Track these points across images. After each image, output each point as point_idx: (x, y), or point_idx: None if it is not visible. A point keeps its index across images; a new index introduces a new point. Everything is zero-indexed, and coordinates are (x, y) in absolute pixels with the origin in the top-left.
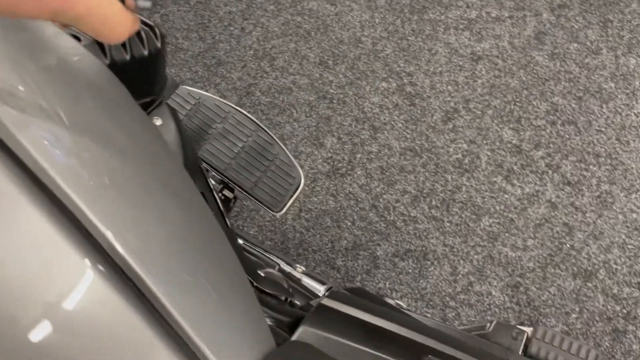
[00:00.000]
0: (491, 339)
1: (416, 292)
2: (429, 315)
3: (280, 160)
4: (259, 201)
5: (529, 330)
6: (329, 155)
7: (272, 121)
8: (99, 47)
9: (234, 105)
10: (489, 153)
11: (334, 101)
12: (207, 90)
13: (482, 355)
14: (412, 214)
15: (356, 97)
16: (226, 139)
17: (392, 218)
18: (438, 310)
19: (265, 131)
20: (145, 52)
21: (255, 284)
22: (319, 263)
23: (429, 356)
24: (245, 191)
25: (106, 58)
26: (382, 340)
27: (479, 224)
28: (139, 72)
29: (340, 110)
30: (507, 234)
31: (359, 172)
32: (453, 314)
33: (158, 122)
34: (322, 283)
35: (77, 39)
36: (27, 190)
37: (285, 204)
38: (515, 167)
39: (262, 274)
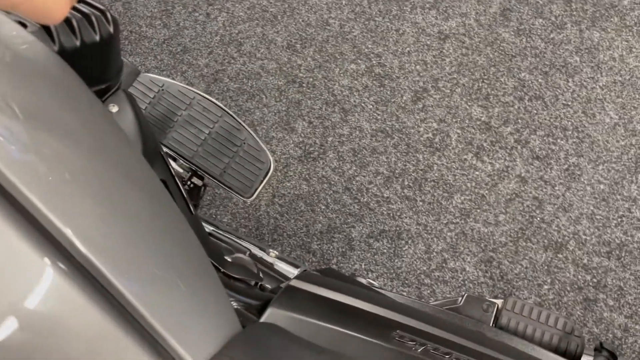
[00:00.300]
0: (462, 313)
1: (391, 271)
2: (404, 293)
3: (249, 145)
4: (229, 187)
5: (499, 302)
6: (301, 139)
7: (242, 107)
8: (47, 33)
9: (198, 91)
10: (458, 131)
11: (304, 85)
12: (173, 78)
13: (453, 328)
14: (385, 195)
15: (325, 80)
16: (192, 125)
17: (365, 200)
18: (414, 288)
19: (232, 116)
20: (97, 37)
21: (222, 269)
22: (294, 248)
23: (398, 331)
24: (214, 178)
25: (55, 45)
26: (350, 318)
27: (451, 201)
28: (91, 58)
29: (310, 94)
30: (478, 210)
31: (331, 156)
32: (428, 291)
33: (114, 109)
34: (296, 266)
35: (23, 25)
36: None
37: (256, 189)
38: (485, 144)
39: (230, 260)
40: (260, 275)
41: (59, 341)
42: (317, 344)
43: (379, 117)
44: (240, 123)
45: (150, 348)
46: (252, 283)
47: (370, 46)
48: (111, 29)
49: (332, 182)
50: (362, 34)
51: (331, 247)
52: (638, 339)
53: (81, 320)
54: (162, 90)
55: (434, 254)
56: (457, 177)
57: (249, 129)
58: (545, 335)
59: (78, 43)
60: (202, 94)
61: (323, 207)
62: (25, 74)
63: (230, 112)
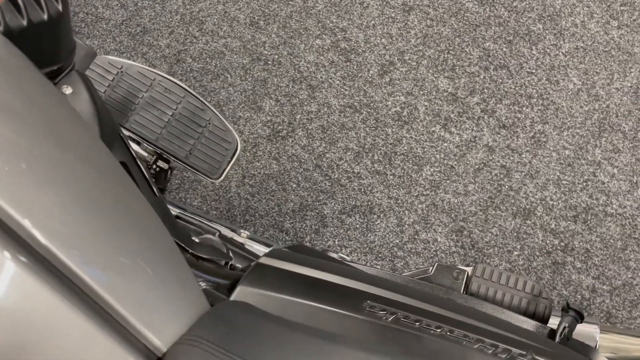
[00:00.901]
0: (434, 282)
1: (365, 246)
2: (378, 266)
3: (214, 125)
4: (196, 169)
5: (469, 269)
6: (269, 118)
7: (207, 88)
8: None
9: (159, 72)
10: (426, 103)
11: (269, 62)
12: (134, 61)
13: (424, 296)
14: (355, 170)
15: (291, 57)
16: (154, 107)
17: (336, 176)
18: (387, 261)
19: (195, 96)
20: (45, 16)
21: (190, 251)
22: (267, 227)
23: (368, 301)
24: (180, 160)
25: (0, 25)
26: (321, 291)
27: (421, 174)
28: (40, 39)
29: (276, 72)
30: (448, 181)
31: (300, 133)
32: (402, 263)
33: (68, 91)
34: (268, 245)
35: None
36: None
37: (224, 170)
38: (452, 115)
39: (197, 241)
40: (230, 254)
41: (24, 333)
42: (288, 319)
43: (346, 93)
44: (204, 103)
45: (116, 334)
46: (222, 263)
47: (334, 20)
48: (60, 7)
49: (302, 160)
50: (326, 8)
51: (304, 225)
52: (605, 299)
53: (45, 311)
54: (121, 72)
55: (406, 226)
56: (426, 149)
57: (213, 109)
58: (515, 299)
59: (25, 23)
60: (163, 74)
61: (294, 185)
62: None
63: (193, 92)
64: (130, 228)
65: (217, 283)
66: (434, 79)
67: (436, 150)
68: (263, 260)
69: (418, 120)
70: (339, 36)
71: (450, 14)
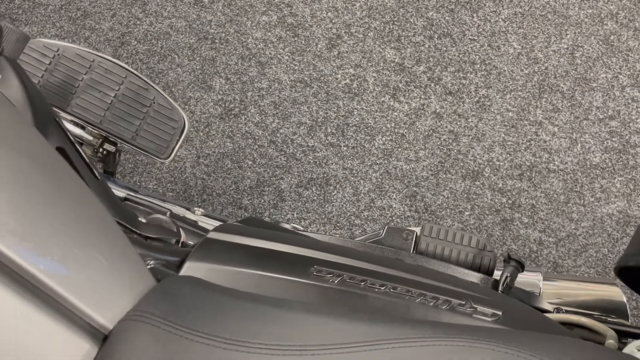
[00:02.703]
0: (385, 244)
1: (323, 217)
2: (337, 235)
3: (159, 104)
4: (144, 150)
5: (417, 229)
6: (219, 97)
7: (154, 69)
8: None
9: (98, 53)
10: (374, 75)
11: (216, 41)
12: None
13: (372, 258)
14: (310, 144)
15: (238, 35)
16: (96, 90)
17: (291, 151)
18: (345, 230)
19: (137, 76)
20: None
21: (137, 231)
22: (225, 205)
23: (315, 266)
24: (126, 142)
25: None
26: (269, 261)
27: (373, 143)
28: None
29: (224, 50)
30: (400, 149)
31: (252, 111)
32: (360, 231)
33: None
34: (224, 222)
35: None
36: None
37: (173, 148)
38: (400, 85)
39: (144, 221)
40: (181, 232)
41: None
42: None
43: (296, 68)
44: (147, 82)
45: (58, 314)
46: (173, 242)
47: None
48: None
49: (257, 137)
50: None
51: (262, 200)
52: (552, 250)
53: (11, 316)
54: (58, 55)
55: (362, 195)
56: (377, 119)
57: (157, 88)
58: (461, 254)
59: None
60: (102, 55)
61: (250, 162)
62: None
63: (135, 72)
64: (66, 211)
65: (167, 260)
66: (381, 50)
67: (387, 120)
68: (212, 235)
69: (368, 92)
70: (285, 12)
71: None
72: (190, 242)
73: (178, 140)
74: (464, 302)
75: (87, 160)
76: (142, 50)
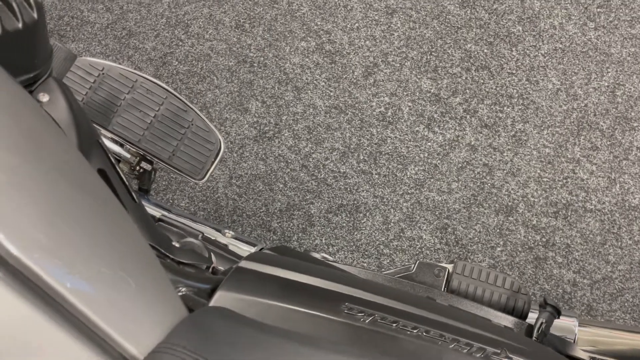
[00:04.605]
0: (415, 279)
1: (351, 244)
2: (365, 264)
3: (197, 126)
4: (179, 170)
5: (449, 266)
6: (255, 119)
7: (193, 90)
8: None
9: (140, 73)
10: (410, 104)
11: (255, 65)
12: (120, 64)
13: (401, 296)
14: (341, 170)
15: (277, 59)
16: (136, 109)
17: (322, 176)
18: (373, 259)
19: (178, 97)
20: (19, 25)
21: (170, 256)
22: (254, 227)
23: (347, 303)
24: (163, 162)
25: None
26: (299, 294)
27: (405, 172)
28: (15, 47)
29: (261, 74)
30: (432, 180)
31: (286, 134)
32: (388, 261)
33: (44, 98)
34: (253, 245)
35: None
36: None
37: (208, 170)
38: (435, 115)
39: (178, 245)
40: (212, 258)
41: (3, 347)
42: (266, 323)
43: (331, 94)
44: (186, 104)
45: (92, 343)
46: (204, 267)
47: (319, 23)
48: (35, 15)
49: (289, 161)
50: (311, 11)
51: (291, 224)
52: (586, 292)
53: (19, 324)
54: (103, 74)
55: (392, 224)
56: (410, 148)
57: (196, 110)
58: (494, 295)
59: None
60: (145, 75)
61: (281, 185)
62: None
63: (176, 93)
64: (105, 237)
65: (198, 288)
66: (417, 80)
67: (420, 150)
68: (243, 264)
69: (402, 121)
70: (324, 38)
71: (433, 17)
72: (221, 268)
73: (213, 162)
74: (499, 351)
75: (127, 183)
76: (183, 71)
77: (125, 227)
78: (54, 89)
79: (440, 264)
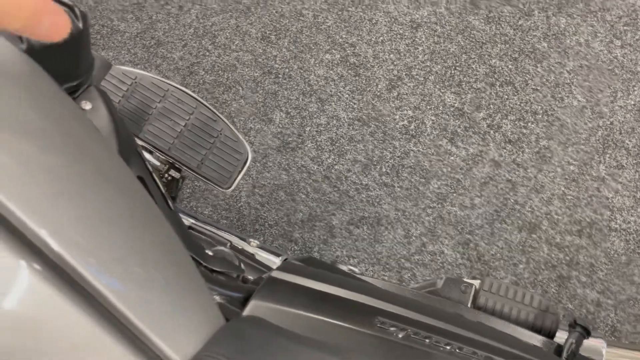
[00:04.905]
0: (441, 295)
1: (372, 257)
2: (385, 277)
3: (225, 136)
4: (207, 179)
5: (476, 283)
6: (279, 130)
7: (218, 99)
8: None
9: (172, 83)
10: (433, 118)
11: (280, 76)
12: (148, 72)
13: (432, 311)
14: (363, 182)
15: (301, 71)
16: (167, 118)
17: (344, 187)
18: (394, 272)
19: (207, 107)
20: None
21: (204, 264)
22: (276, 237)
23: (379, 317)
24: (191, 170)
25: (22, 43)
26: (332, 306)
27: (428, 186)
28: (61, 56)
29: (286, 85)
30: (455, 194)
31: (309, 145)
32: (409, 275)
33: (87, 106)
34: (277, 255)
35: None
36: None
37: (234, 179)
38: (458, 130)
39: (211, 253)
40: (242, 267)
41: (39, 342)
42: (300, 333)
43: (355, 106)
44: (216, 114)
45: (133, 346)
46: (234, 275)
47: (344, 36)
48: (80, 25)
49: (312, 172)
50: (336, 24)
51: (313, 235)
52: (610, 313)
53: (61, 320)
54: (135, 82)
55: (413, 238)
56: (433, 162)
57: (225, 120)
58: (522, 313)
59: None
60: (176, 85)
61: (303, 196)
62: None
63: (206, 103)
64: (147, 241)
65: (230, 296)
66: (441, 94)
67: (443, 164)
68: (275, 274)
69: (425, 134)
70: (349, 51)
71: (457, 32)
72: (251, 277)
73: (240, 172)
74: None
75: (163, 192)
76: (209, 81)
77: (165, 233)
78: (95, 98)
79: (466, 280)
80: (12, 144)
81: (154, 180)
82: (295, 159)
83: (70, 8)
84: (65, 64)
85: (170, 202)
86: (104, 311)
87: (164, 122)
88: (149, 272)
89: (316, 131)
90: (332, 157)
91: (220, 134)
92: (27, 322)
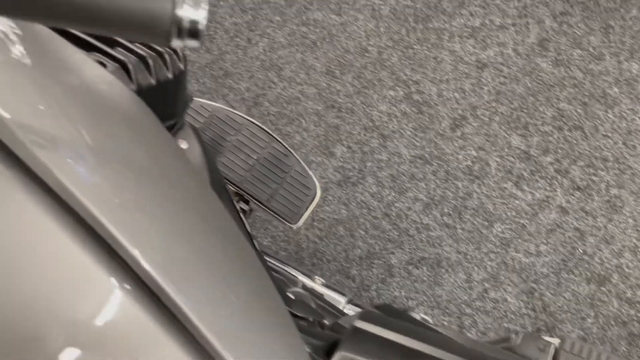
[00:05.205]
0: (518, 352)
1: (432, 300)
2: (445, 322)
3: (296, 171)
4: (276, 213)
5: (556, 341)
6: (340, 164)
7: (282, 131)
8: (126, 72)
9: (247, 117)
10: (498, 159)
11: (342, 110)
12: (215, 101)
13: None
14: (424, 222)
15: (364, 106)
16: (241, 151)
17: (404, 226)
18: (454, 318)
19: (280, 142)
20: (170, 75)
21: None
22: (333, 272)
23: None
24: (261, 203)
25: (132, 83)
26: None
27: (491, 230)
28: (164, 96)
29: (348, 119)
30: (519, 240)
31: (370, 181)
32: (470, 321)
33: (184, 145)
34: (342, 294)
35: (103, 65)
36: (51, 209)
37: (302, 215)
38: (524, 173)
39: (292, 296)
40: (319, 311)
41: (124, 358)
42: None
43: (417, 144)
44: (287, 149)
45: None
46: (311, 319)
47: (408, 73)
48: (182, 66)
49: (371, 208)
50: (400, 61)
51: (370, 273)
52: None
53: (146, 339)
54: (212, 115)
55: (475, 283)
56: (497, 205)
57: (296, 156)
58: None
59: (153, 81)
60: (250, 119)
61: (362, 232)
62: (102, 108)
63: (279, 139)
64: (241, 275)
65: (312, 344)
66: (507, 135)
67: (507, 208)
68: (358, 324)
69: (489, 176)
70: (412, 88)
71: (524, 73)
72: (326, 322)
73: (308, 208)
74: None
75: (249, 230)
76: (273, 112)
77: (259, 275)
78: (190, 136)
79: (545, 338)
80: (113, 170)
81: (241, 218)
82: (355, 194)
83: (173, 50)
84: (167, 103)
85: (255, 242)
86: (193, 341)
87: (237, 154)
88: (244, 311)
89: (377, 167)
90: (393, 194)
91: (291, 169)
92: (113, 340)
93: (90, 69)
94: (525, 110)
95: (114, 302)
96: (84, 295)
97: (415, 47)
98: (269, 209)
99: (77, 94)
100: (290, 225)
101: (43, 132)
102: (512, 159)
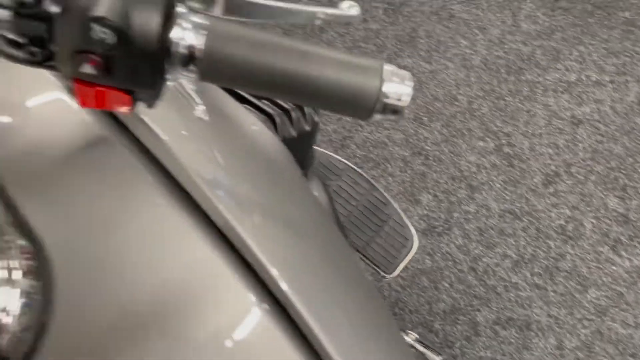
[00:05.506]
0: None
1: None
2: None
3: (394, 221)
4: (372, 261)
5: None
6: (425, 212)
7: (367, 175)
8: (272, 124)
9: (349, 163)
10: (593, 221)
11: (430, 158)
12: (328, 151)
13: None
14: (513, 280)
15: (452, 155)
16: (340, 196)
17: (492, 283)
18: None
19: (380, 191)
20: (307, 128)
21: None
22: (415, 325)
23: None
24: (357, 250)
25: (278, 134)
26: None
27: (585, 295)
28: (301, 146)
29: (435, 167)
30: (616, 309)
31: (456, 232)
32: None
33: (315, 192)
34: (438, 354)
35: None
36: (202, 228)
37: (398, 265)
38: (622, 238)
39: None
40: None
41: None
42: None
43: (507, 198)
44: (387, 198)
45: None
46: None
47: (499, 125)
48: (316, 119)
49: (457, 260)
50: (491, 112)
51: (454, 329)
52: None
53: (277, 358)
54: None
55: (567, 350)
56: (592, 269)
57: (395, 205)
58: None
59: (295, 133)
60: (352, 166)
61: (447, 285)
62: (263, 158)
63: (379, 187)
64: (362, 310)
65: None
66: (603, 196)
67: (603, 273)
68: None
69: (584, 238)
70: (503, 141)
71: (623, 132)
72: None
73: (405, 259)
74: None
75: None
76: (359, 155)
77: (380, 304)
78: (319, 186)
79: None
80: (269, 209)
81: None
82: (440, 244)
83: (302, 112)
84: (301, 154)
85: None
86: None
87: (336, 199)
88: (372, 341)
89: (464, 218)
90: (480, 248)
91: (389, 218)
92: (245, 354)
93: (250, 123)
94: (623, 171)
95: (251, 318)
96: (224, 308)
97: (507, 98)
98: (365, 256)
99: (243, 146)
100: (386, 275)
101: (208, 171)
102: (608, 221)
